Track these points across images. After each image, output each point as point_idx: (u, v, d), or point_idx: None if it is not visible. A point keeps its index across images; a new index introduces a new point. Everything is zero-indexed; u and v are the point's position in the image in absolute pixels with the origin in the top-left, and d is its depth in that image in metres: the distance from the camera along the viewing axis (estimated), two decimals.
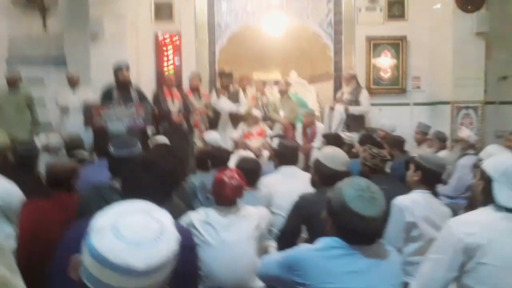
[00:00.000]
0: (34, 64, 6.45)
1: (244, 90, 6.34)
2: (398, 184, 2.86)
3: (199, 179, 3.30)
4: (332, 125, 5.90)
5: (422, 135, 5.11)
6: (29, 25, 6.40)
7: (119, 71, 5.19)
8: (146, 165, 1.70)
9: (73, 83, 5.61)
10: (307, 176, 2.73)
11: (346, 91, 6.03)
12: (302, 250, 1.57)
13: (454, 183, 3.87)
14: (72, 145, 3.97)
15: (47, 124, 5.88)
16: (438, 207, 2.42)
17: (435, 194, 2.46)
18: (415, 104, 6.46)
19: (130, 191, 1.61)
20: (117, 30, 6.01)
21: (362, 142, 4.41)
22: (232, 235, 2.19)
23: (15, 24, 6.41)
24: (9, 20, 6.36)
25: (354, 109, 5.86)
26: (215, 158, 3.38)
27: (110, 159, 2.14)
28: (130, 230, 0.84)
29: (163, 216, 0.91)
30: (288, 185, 2.93)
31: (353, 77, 6.06)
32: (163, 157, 1.72)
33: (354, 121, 5.86)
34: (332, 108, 6.03)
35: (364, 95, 5.98)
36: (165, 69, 6.39)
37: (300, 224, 2.33)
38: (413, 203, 2.34)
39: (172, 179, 1.77)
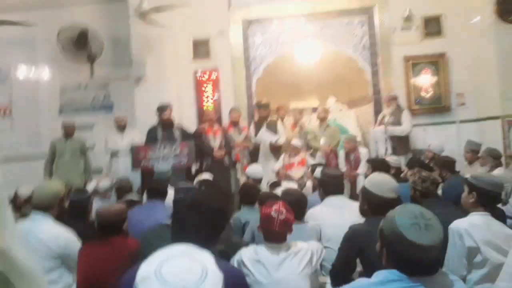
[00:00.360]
0: (83, 111, 6.84)
1: (282, 120, 6.37)
2: (452, 208, 2.74)
3: (245, 215, 3.28)
4: (376, 148, 5.78)
5: (473, 154, 4.86)
6: (77, 73, 6.81)
7: (162, 111, 5.39)
8: (194, 206, 1.71)
9: (120, 126, 5.87)
10: (355, 206, 2.64)
11: (387, 113, 5.93)
12: (360, 285, 1.51)
13: None
14: (122, 188, 4.11)
15: (97, 169, 6.14)
16: (500, 229, 2.28)
17: (496, 215, 2.32)
18: (462, 121, 6.21)
19: (180, 233, 1.62)
20: (158, 71, 6.27)
21: (410, 165, 4.27)
22: (284, 273, 2.12)
23: (65, 73, 6.86)
24: (59, 69, 6.82)
25: (394, 130, 5.72)
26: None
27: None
28: (174, 275, 0.84)
29: (205, 258, 0.91)
30: (337, 216, 2.86)
31: (394, 99, 5.96)
32: (210, 197, 1.72)
33: (399, 144, 5.70)
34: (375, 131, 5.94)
35: (405, 116, 5.85)
36: (205, 105, 6.55)
37: (354, 257, 2.23)
38: (472, 226, 2.22)
39: (221, 218, 1.77)
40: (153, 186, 3.40)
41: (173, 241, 1.36)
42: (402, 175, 4.30)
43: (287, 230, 2.23)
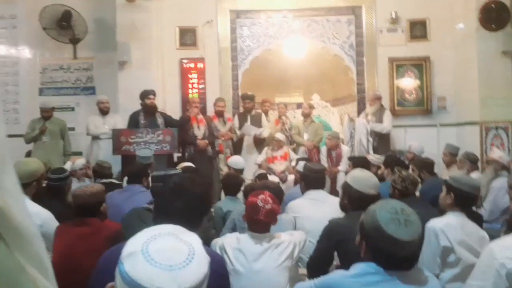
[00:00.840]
0: (64, 92, 6.70)
1: (266, 114, 6.37)
2: (430, 207, 2.79)
3: (226, 205, 3.28)
4: (355, 138, 5.87)
5: (451, 157, 4.95)
6: (60, 54, 6.66)
7: (146, 97, 5.32)
8: (176, 191, 1.69)
9: (103, 110, 5.76)
10: (336, 201, 2.66)
11: (369, 112, 6.01)
12: (336, 276, 1.53)
13: (488, 206, 3.74)
14: (101, 172, 4.05)
15: (78, 152, 6.03)
16: (474, 230, 2.33)
17: (472, 217, 2.37)
18: (442, 125, 6.34)
19: (162, 217, 1.61)
20: (143, 57, 6.18)
21: (386, 164, 4.33)
22: (263, 265, 2.11)
23: (47, 54, 6.70)
24: (41, 49, 6.66)
25: (375, 126, 5.82)
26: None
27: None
28: (161, 254, 0.83)
29: (192, 238, 0.90)
30: (317, 210, 2.87)
31: (378, 98, 6.03)
32: (193, 181, 1.71)
33: (380, 143, 5.79)
34: (352, 120, 6.02)
35: (386, 115, 5.95)
36: (190, 95, 6.48)
37: (332, 250, 2.24)
38: (447, 226, 2.26)
39: (203, 204, 1.76)
40: (134, 170, 3.36)
41: (155, 224, 1.35)
42: (379, 171, 4.33)
43: (272, 220, 2.22)
